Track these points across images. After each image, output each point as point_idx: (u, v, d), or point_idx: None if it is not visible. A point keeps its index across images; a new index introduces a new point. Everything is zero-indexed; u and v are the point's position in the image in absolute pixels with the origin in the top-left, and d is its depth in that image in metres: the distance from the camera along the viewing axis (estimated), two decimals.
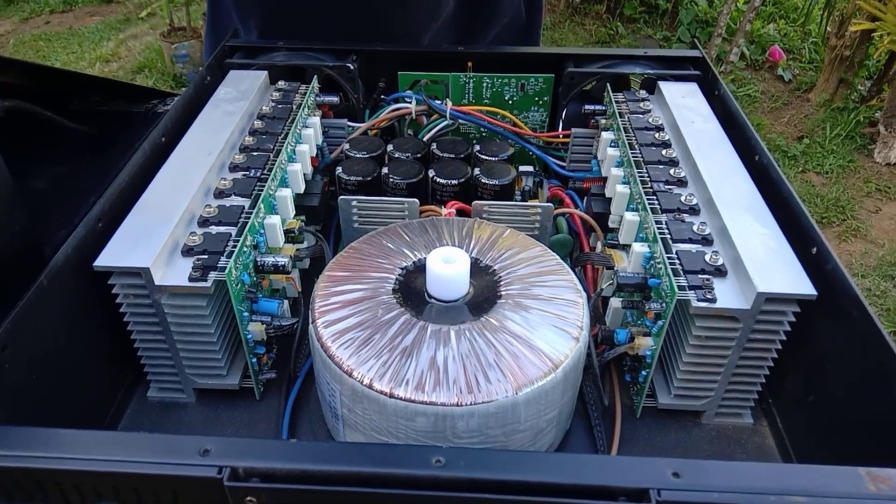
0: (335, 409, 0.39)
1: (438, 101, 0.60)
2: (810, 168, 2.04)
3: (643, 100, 0.56)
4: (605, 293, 0.47)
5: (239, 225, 0.43)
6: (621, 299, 0.45)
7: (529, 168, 0.60)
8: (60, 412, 0.40)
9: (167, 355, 0.43)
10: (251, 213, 0.44)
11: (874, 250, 1.76)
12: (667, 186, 0.47)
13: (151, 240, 0.41)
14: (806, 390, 0.41)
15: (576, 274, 0.50)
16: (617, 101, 0.56)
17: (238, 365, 0.45)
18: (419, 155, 0.55)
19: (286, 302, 0.47)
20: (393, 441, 0.37)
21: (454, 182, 0.52)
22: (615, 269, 0.47)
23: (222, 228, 0.43)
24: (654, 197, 0.46)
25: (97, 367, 0.43)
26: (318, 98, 0.58)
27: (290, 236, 0.49)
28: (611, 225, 0.51)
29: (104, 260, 0.39)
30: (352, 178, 0.53)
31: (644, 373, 0.43)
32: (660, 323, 0.41)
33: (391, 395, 0.35)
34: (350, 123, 0.60)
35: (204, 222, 0.43)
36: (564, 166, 0.60)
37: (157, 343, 0.43)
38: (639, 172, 0.48)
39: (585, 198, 0.56)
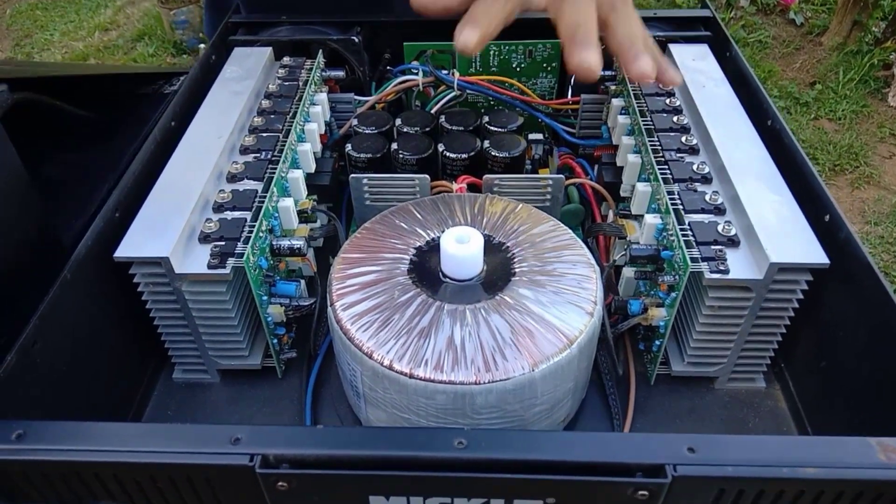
0: (357, 387, 0.40)
1: (445, 72, 0.59)
2: (823, 115, 2.01)
3: None
4: (617, 263, 0.47)
5: (253, 210, 0.44)
6: (634, 269, 0.46)
7: (539, 135, 0.59)
8: (91, 401, 0.41)
9: (190, 339, 0.44)
10: (265, 196, 0.44)
11: (887, 197, 1.75)
12: (678, 154, 0.47)
13: (169, 228, 0.41)
14: (818, 356, 0.42)
15: (588, 244, 0.51)
16: None
17: (259, 345, 0.47)
18: (427, 129, 0.55)
19: (303, 282, 0.47)
20: (414, 418, 0.38)
21: (464, 156, 0.52)
22: (628, 239, 0.48)
23: (237, 214, 0.44)
24: (666, 166, 0.46)
25: (123, 353, 0.44)
26: (323, 73, 0.58)
27: (304, 216, 0.49)
28: (622, 194, 0.51)
29: (124, 250, 0.40)
30: (362, 155, 0.53)
31: (658, 342, 0.44)
32: (673, 295, 0.41)
33: (411, 376, 0.36)
34: (357, 97, 0.59)
35: (219, 208, 0.44)
36: (574, 133, 0.60)
37: (180, 328, 0.44)
38: (650, 141, 0.48)
39: (596, 166, 0.56)
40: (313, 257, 0.50)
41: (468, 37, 0.36)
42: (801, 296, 0.40)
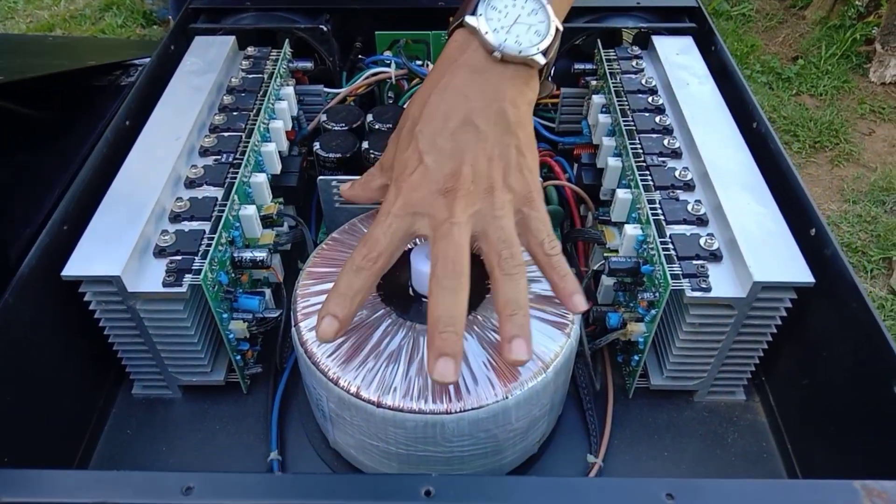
0: (323, 410, 0.38)
1: (419, 63, 0.57)
2: (804, 90, 1.99)
3: (635, 57, 0.53)
4: (596, 270, 0.46)
5: (213, 219, 0.41)
6: (613, 280, 0.44)
7: None
8: (45, 425, 0.39)
9: (148, 355, 0.42)
10: (225, 205, 0.42)
11: (866, 175, 1.75)
12: (660, 159, 0.45)
13: (121, 242, 0.39)
14: (800, 373, 0.41)
15: (566, 249, 0.49)
16: (608, 60, 0.53)
17: (223, 360, 0.44)
18: None
19: (268, 292, 0.45)
20: (382, 445, 0.36)
21: None
22: (607, 245, 0.46)
23: (195, 224, 0.41)
24: (648, 172, 0.44)
25: (76, 371, 0.42)
26: (290, 64, 0.55)
27: (269, 221, 0.47)
28: (602, 197, 0.49)
29: (72, 268, 0.37)
30: (331, 154, 0.50)
31: (636, 357, 0.42)
32: (653, 312, 0.39)
33: (379, 405, 0.34)
34: (327, 90, 0.57)
35: (175, 217, 0.41)
36: (554, 128, 0.58)
37: (137, 345, 0.41)
38: (631, 144, 0.46)
39: (576, 166, 0.54)
40: (280, 264, 0.48)
41: (326, 330, 0.33)
42: (784, 313, 0.39)
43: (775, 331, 0.40)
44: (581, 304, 0.35)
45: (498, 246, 0.34)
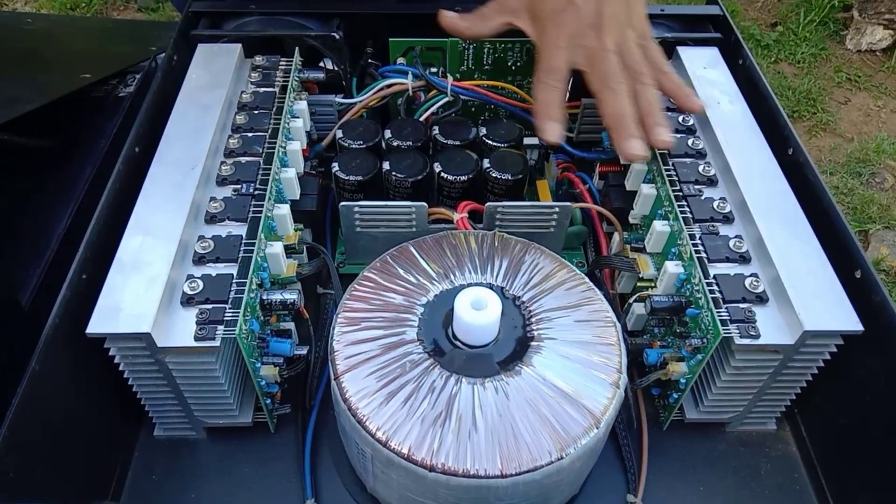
0: (366, 466, 0.37)
1: (435, 71, 0.54)
2: (783, 58, 2.00)
3: None
4: (632, 304, 0.45)
5: (240, 261, 0.39)
6: (645, 307, 0.43)
7: (535, 140, 0.55)
8: (70, 476, 0.37)
9: (174, 402, 0.40)
10: (251, 243, 0.40)
11: (843, 145, 1.77)
12: (696, 188, 0.44)
13: (146, 291, 0.36)
14: (838, 412, 0.41)
15: (594, 274, 0.48)
16: None
17: (249, 400, 0.43)
18: (420, 143, 0.50)
19: (293, 328, 0.44)
20: (430, 503, 0.36)
21: (463, 178, 0.48)
22: (640, 275, 0.45)
23: (221, 267, 0.39)
24: (685, 202, 0.43)
25: (99, 419, 0.40)
26: (301, 75, 0.52)
27: (290, 250, 0.45)
28: (631, 221, 0.48)
29: (97, 325, 0.35)
30: (351, 177, 0.48)
31: (675, 395, 0.42)
32: (698, 357, 0.39)
33: (432, 469, 0.33)
34: (338, 100, 0.54)
35: (200, 260, 0.39)
36: (572, 138, 0.56)
37: (163, 393, 0.40)
38: (666, 170, 0.45)
39: (600, 183, 0.53)
40: (301, 294, 0.46)
41: (553, 132, 0.45)
42: (828, 357, 0.39)
43: (816, 372, 0.40)
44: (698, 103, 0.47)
45: (635, 66, 0.44)
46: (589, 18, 0.44)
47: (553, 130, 0.44)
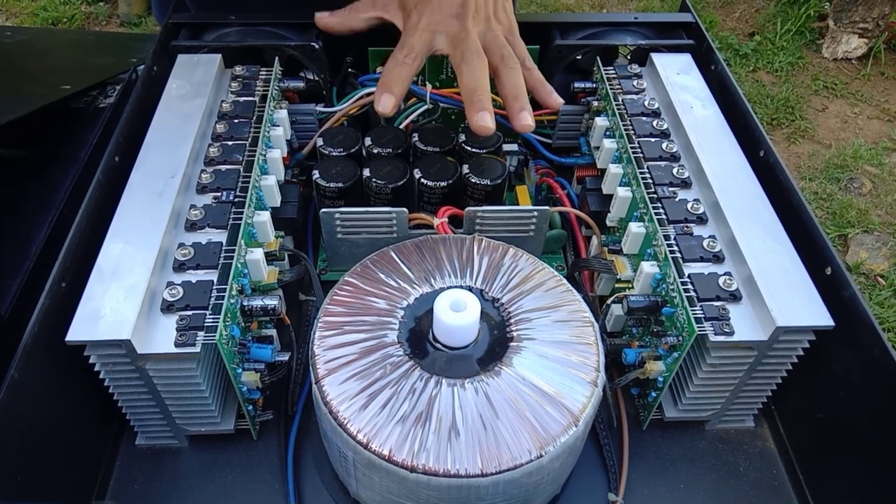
0: (348, 469, 0.37)
1: (414, 81, 0.55)
2: (761, 66, 2.03)
3: (636, 76, 0.53)
4: (610, 305, 0.46)
5: (220, 267, 0.39)
6: (622, 308, 0.44)
7: (514, 146, 0.56)
8: (49, 485, 0.37)
9: (154, 409, 0.40)
10: (231, 251, 0.40)
11: (821, 151, 1.80)
12: (671, 189, 0.45)
13: (126, 298, 0.37)
14: (814, 407, 0.42)
15: (574, 277, 0.49)
16: (608, 79, 0.52)
17: (231, 407, 0.43)
18: (400, 150, 0.51)
19: (275, 333, 0.44)
20: None
21: (443, 184, 0.49)
22: (618, 277, 0.46)
23: (201, 273, 0.39)
24: (660, 204, 0.44)
25: (82, 429, 0.40)
26: (281, 84, 0.52)
27: (270, 257, 0.45)
28: (608, 224, 0.49)
29: (77, 333, 0.35)
30: (331, 184, 0.48)
31: (654, 394, 0.43)
32: (675, 355, 0.40)
33: (413, 469, 0.34)
34: (318, 108, 0.54)
35: (180, 267, 0.39)
36: (550, 144, 0.57)
37: (143, 401, 0.40)
38: (640, 173, 0.45)
39: (579, 187, 0.53)
40: (282, 300, 0.46)
41: (385, 103, 0.46)
42: (801, 353, 0.39)
43: (791, 368, 0.40)
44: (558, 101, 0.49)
45: (499, 50, 0.46)
46: (453, 9, 0.46)
47: (386, 102, 0.45)
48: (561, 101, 0.49)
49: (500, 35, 0.47)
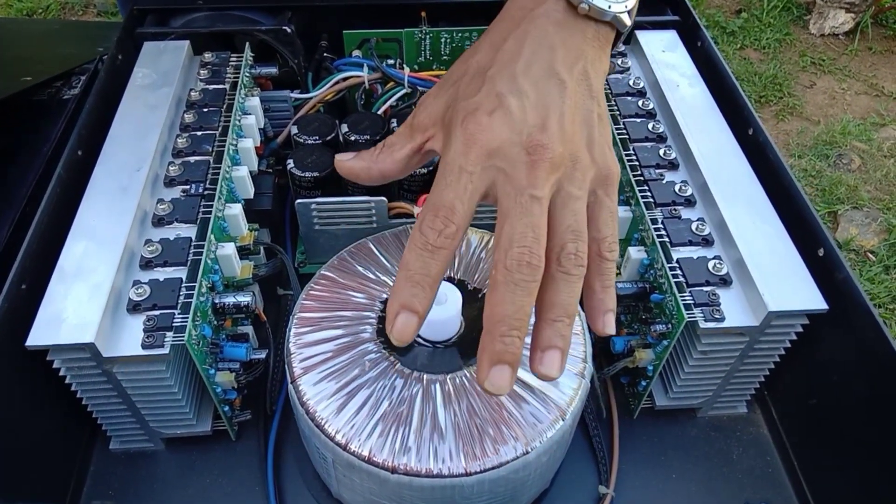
0: (328, 470, 0.36)
1: (391, 62, 0.53)
2: (748, 44, 2.01)
3: (620, 55, 0.51)
4: None
5: (189, 263, 0.37)
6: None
7: None
8: (20, 493, 0.36)
9: (126, 413, 0.39)
10: (200, 246, 0.38)
11: (809, 128, 1.79)
12: (658, 171, 0.43)
13: (89, 299, 0.35)
14: (807, 392, 0.41)
15: None
16: None
17: (207, 408, 0.41)
18: (378, 137, 0.49)
19: (251, 332, 0.42)
20: None
21: (423, 171, 0.47)
22: None
23: (170, 270, 0.37)
24: (647, 186, 0.42)
25: (52, 435, 0.39)
26: (252, 70, 0.50)
27: (245, 251, 0.43)
28: None
29: (38, 337, 0.34)
30: (307, 174, 0.46)
31: (644, 382, 0.41)
32: (664, 343, 0.38)
33: (394, 470, 0.32)
34: (293, 95, 0.52)
35: (147, 264, 0.38)
36: None
37: (114, 405, 0.38)
38: (626, 155, 0.44)
39: None
40: (259, 296, 0.45)
41: (404, 330, 0.27)
42: (794, 337, 0.38)
43: (783, 352, 0.39)
44: (611, 326, 0.29)
45: (565, 236, 0.28)
46: (523, 134, 0.28)
47: (404, 328, 0.27)
48: (613, 329, 0.29)
49: (581, 198, 0.28)
